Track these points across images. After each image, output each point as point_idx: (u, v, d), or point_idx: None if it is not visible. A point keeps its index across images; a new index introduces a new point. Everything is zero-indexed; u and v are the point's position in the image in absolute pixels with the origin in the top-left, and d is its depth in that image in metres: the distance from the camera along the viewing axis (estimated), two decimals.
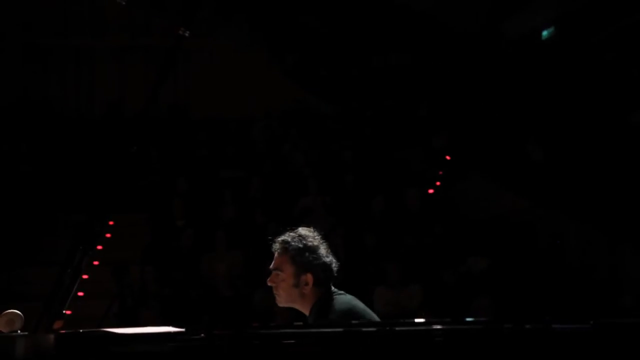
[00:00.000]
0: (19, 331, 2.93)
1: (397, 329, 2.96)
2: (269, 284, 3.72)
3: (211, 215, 11.00)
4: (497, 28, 11.79)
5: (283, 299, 3.71)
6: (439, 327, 2.98)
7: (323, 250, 3.70)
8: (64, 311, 2.96)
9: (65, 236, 10.07)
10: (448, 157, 11.81)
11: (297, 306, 3.72)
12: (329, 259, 3.70)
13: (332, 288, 3.70)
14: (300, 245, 3.66)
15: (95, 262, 9.67)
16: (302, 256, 3.64)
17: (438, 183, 11.57)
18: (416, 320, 3.38)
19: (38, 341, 2.84)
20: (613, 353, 2.91)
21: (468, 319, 3.09)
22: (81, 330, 2.91)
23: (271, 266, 3.73)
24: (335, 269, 3.71)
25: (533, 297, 8.80)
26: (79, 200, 10.72)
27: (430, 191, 11.40)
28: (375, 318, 3.59)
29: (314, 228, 3.80)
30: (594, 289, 9.12)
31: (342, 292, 3.69)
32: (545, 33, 11.22)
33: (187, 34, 3.31)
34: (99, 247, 9.68)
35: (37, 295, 7.81)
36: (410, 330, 3.01)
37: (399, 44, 12.91)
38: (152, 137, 12.23)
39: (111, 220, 10.34)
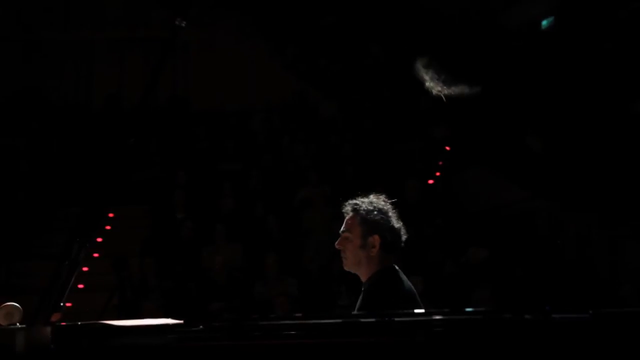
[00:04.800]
0: (17, 324, 2.92)
1: (396, 319, 2.95)
2: (336, 247, 3.67)
3: (211, 207, 11.00)
4: (496, 18, 11.76)
5: (349, 262, 3.64)
6: (438, 317, 2.97)
7: (393, 215, 3.67)
8: (62, 304, 2.95)
9: (64, 229, 10.08)
10: (448, 148, 11.79)
11: (362, 270, 3.64)
12: (398, 225, 3.66)
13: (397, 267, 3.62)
14: (370, 207, 3.64)
15: (96, 255, 9.69)
16: (372, 217, 3.61)
17: (438, 174, 11.55)
18: (416, 310, 3.38)
19: (35, 334, 2.83)
20: (612, 343, 2.90)
21: (468, 309, 3.07)
22: (79, 323, 2.90)
23: (341, 229, 3.68)
24: (404, 238, 3.66)
25: (533, 287, 8.80)
26: (77, 194, 10.72)
27: (430, 182, 11.39)
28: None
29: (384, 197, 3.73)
30: (593, 279, 9.12)
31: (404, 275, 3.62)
32: (544, 23, 11.18)
33: (183, 24, 3.29)
34: (99, 240, 9.72)
35: (36, 288, 7.81)
36: (410, 320, 3.00)
37: (396, 35, 12.87)
38: (151, 130, 12.21)
39: (111, 212, 10.37)
